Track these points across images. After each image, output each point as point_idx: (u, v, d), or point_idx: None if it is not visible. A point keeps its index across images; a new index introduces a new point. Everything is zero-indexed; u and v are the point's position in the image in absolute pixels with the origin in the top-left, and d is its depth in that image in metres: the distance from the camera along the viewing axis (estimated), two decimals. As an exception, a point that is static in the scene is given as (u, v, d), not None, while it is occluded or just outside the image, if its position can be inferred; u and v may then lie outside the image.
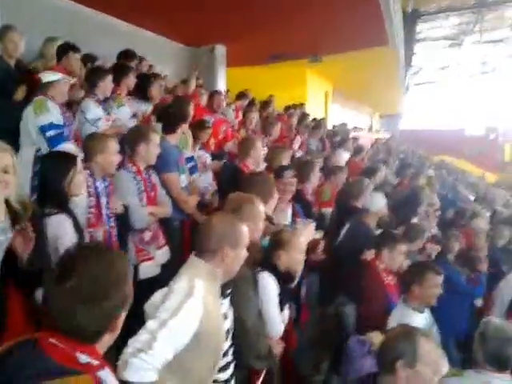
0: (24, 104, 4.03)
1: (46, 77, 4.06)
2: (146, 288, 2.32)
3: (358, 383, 2.61)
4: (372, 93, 20.65)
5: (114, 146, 3.56)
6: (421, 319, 3.65)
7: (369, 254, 4.45)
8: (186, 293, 2.08)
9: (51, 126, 3.86)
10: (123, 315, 1.44)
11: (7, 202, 2.44)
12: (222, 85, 11.08)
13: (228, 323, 2.39)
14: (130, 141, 4.00)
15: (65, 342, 1.33)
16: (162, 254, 3.90)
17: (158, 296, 2.21)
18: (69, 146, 3.80)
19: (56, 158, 3.10)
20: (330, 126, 13.89)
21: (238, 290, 2.65)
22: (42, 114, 3.87)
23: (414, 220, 6.22)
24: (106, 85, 4.76)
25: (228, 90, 11.02)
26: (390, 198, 7.58)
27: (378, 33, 10.87)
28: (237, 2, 8.04)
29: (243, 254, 2.33)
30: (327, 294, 4.86)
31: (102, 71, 4.90)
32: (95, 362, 1.36)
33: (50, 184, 2.89)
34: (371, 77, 16.18)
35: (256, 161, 4.85)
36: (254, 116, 7.67)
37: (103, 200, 3.47)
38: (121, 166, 3.89)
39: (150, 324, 1.96)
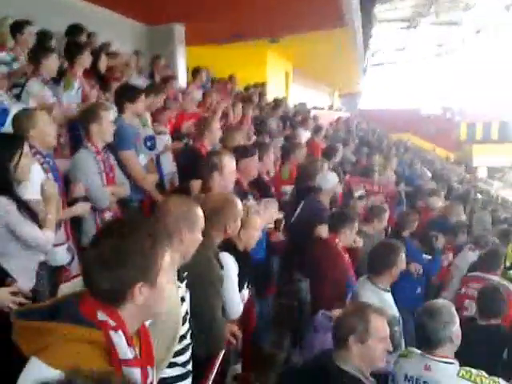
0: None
1: None
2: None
3: (322, 356, 2.68)
4: (331, 72, 20.79)
5: (44, 117, 3.46)
6: (390, 297, 3.81)
7: (322, 230, 4.56)
8: None
9: None
10: (144, 287, 1.49)
11: None
12: (181, 64, 10.87)
13: (185, 306, 2.37)
14: (82, 121, 3.95)
15: (93, 300, 1.47)
16: None
17: None
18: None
19: (1, 140, 3.01)
20: (290, 106, 13.94)
21: (204, 277, 2.70)
22: None
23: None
24: (51, 64, 4.60)
25: (188, 70, 10.91)
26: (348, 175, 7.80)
27: (335, 15, 10.87)
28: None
29: (199, 237, 2.33)
30: (285, 272, 4.96)
31: (45, 49, 4.75)
32: (112, 323, 1.45)
33: None
34: (330, 57, 16.27)
35: (212, 141, 4.85)
36: (214, 96, 7.65)
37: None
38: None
39: None
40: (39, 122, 3.38)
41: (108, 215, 3.82)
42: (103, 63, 5.70)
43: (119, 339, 1.44)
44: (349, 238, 4.39)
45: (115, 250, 1.46)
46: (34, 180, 3.11)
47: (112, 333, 1.43)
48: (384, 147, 13.67)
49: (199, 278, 2.60)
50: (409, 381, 2.89)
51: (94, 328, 1.42)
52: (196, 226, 2.28)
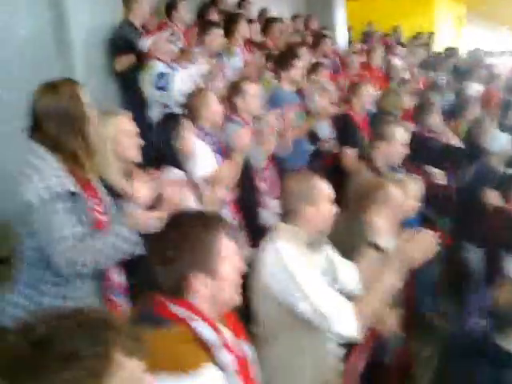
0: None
1: (144, 45, 4.30)
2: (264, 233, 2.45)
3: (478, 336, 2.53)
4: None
5: (214, 97, 3.56)
6: None
7: (491, 197, 4.23)
8: (277, 256, 2.15)
9: (160, 75, 4.10)
10: (204, 277, 1.49)
11: None
12: (341, 20, 10.44)
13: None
14: (228, 95, 4.05)
15: (165, 297, 1.50)
16: (277, 207, 3.97)
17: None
18: (180, 76, 4.10)
19: (164, 119, 3.26)
20: (463, 55, 12.73)
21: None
22: (150, 72, 4.12)
23: None
24: (215, 38, 4.78)
25: (350, 28, 10.56)
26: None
27: None
28: None
29: (326, 208, 2.29)
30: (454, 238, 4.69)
31: (209, 24, 4.94)
32: (191, 315, 1.46)
33: (162, 145, 3.00)
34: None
35: (362, 107, 4.70)
36: (378, 54, 7.37)
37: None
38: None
39: (294, 293, 2.07)
40: (210, 101, 3.50)
41: (263, 186, 3.91)
42: (257, 32, 5.78)
43: (204, 328, 1.45)
44: None
45: (167, 245, 1.49)
46: (202, 157, 3.25)
47: (194, 323, 1.44)
48: None
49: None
50: None
51: (174, 324, 1.43)
52: (318, 199, 2.26)
